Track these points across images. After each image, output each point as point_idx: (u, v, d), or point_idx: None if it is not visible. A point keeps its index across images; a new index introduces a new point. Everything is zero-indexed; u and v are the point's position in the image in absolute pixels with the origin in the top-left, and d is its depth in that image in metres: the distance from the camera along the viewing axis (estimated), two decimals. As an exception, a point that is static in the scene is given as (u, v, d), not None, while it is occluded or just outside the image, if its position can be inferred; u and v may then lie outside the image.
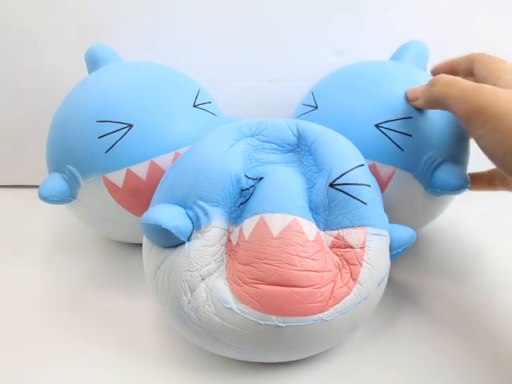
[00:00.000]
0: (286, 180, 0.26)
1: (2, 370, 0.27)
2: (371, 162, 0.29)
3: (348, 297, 0.24)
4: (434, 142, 0.30)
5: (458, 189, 0.29)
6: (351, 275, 0.24)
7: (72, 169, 0.31)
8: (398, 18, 0.43)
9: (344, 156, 0.26)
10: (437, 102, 0.27)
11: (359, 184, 0.25)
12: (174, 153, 0.31)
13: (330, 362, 0.27)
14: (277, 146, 0.27)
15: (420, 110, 0.30)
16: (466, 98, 0.24)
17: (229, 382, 0.26)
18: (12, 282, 0.35)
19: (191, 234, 0.25)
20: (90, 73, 0.36)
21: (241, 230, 0.25)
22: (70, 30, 0.43)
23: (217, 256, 0.25)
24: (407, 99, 0.30)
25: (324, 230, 0.25)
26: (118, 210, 0.32)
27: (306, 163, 0.27)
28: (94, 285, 0.34)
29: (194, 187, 0.25)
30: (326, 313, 0.23)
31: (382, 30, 0.43)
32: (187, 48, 0.44)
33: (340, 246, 0.25)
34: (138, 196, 0.31)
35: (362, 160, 0.27)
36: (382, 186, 0.30)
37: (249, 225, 0.24)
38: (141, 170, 0.30)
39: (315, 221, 0.25)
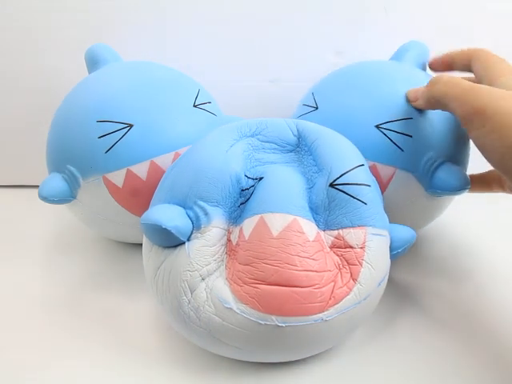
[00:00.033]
0: (286, 180, 0.26)
1: (2, 370, 0.27)
2: (371, 163, 0.29)
3: (348, 297, 0.24)
4: (435, 143, 0.30)
5: (458, 189, 0.29)
6: (351, 275, 0.24)
7: (72, 169, 0.31)
8: (398, 17, 0.43)
9: (344, 156, 0.26)
10: (437, 103, 0.27)
11: (359, 184, 0.25)
12: (173, 153, 0.31)
13: (329, 362, 0.27)
14: (277, 146, 0.27)
15: (420, 111, 0.30)
16: (466, 98, 0.24)
17: (229, 382, 0.26)
18: (12, 282, 0.35)
19: (191, 233, 0.25)
20: (89, 73, 0.36)
21: (241, 230, 0.25)
22: (69, 29, 0.43)
23: (217, 256, 0.25)
24: (407, 100, 0.30)
25: (324, 230, 0.25)
26: (118, 210, 0.32)
27: (306, 163, 0.27)
28: (93, 285, 0.34)
29: (194, 187, 0.25)
30: (325, 313, 0.23)
31: (382, 29, 0.43)
32: (187, 48, 0.44)
33: (340, 245, 0.25)
34: (138, 196, 0.31)
35: (362, 160, 0.26)
36: (383, 186, 0.30)
37: (249, 225, 0.24)
38: (141, 170, 0.30)
39: (315, 221, 0.25)
